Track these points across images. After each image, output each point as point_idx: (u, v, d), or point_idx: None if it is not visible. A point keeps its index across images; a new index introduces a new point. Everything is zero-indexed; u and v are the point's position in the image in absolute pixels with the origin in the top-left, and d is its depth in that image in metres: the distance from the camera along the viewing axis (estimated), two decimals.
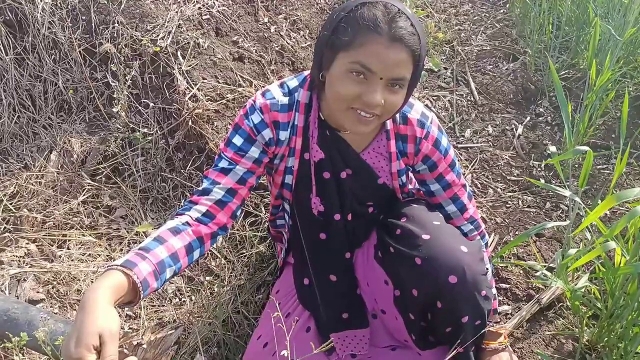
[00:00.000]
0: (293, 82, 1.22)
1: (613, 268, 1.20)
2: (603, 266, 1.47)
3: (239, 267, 1.68)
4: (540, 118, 2.30)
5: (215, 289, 1.61)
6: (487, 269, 1.18)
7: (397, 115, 1.21)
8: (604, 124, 2.25)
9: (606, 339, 1.37)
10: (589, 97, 1.75)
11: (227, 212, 1.17)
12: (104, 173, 1.88)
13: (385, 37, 0.98)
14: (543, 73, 2.47)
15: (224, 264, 1.69)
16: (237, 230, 1.75)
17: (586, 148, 1.17)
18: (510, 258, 1.67)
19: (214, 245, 1.73)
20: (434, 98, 2.42)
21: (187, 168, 1.86)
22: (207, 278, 1.67)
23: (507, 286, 1.59)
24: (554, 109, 2.34)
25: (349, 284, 1.35)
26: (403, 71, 1.02)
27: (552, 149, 1.44)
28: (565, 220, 1.72)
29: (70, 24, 2.02)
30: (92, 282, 1.23)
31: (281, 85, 1.22)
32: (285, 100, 1.19)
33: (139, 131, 1.90)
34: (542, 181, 1.99)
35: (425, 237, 1.16)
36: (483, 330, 1.19)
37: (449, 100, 2.39)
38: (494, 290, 1.31)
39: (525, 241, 1.71)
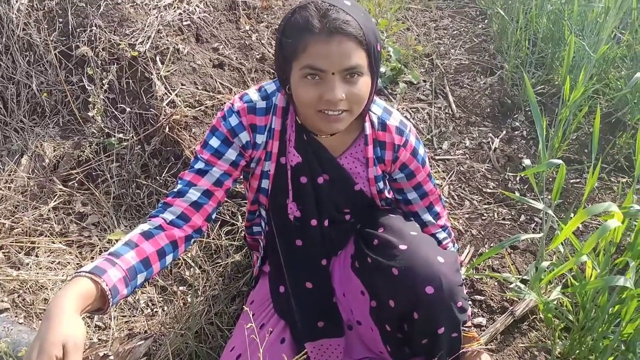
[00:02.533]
0: (271, 87, 1.22)
1: (583, 282, 1.21)
2: (575, 279, 1.49)
3: (213, 276, 1.65)
4: (516, 132, 2.34)
5: (189, 299, 1.58)
6: (462, 280, 1.18)
7: (376, 121, 1.21)
8: (577, 139, 2.30)
9: (578, 351, 1.38)
10: (562, 113, 1.79)
11: (202, 215, 1.15)
12: (77, 179, 1.84)
13: (322, 33, 0.99)
14: (519, 88, 2.51)
15: (199, 273, 1.66)
16: (213, 239, 1.72)
17: (559, 161, 1.19)
18: (485, 270, 1.69)
19: (189, 255, 1.70)
20: (413, 110, 2.44)
21: (163, 175, 1.83)
22: (181, 288, 1.64)
23: (482, 298, 1.59)
24: (530, 123, 2.38)
25: (324, 292, 1.34)
26: (353, 60, 1.01)
27: (527, 162, 1.46)
28: (539, 233, 1.74)
29: (46, 26, 1.98)
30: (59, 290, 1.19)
31: (259, 89, 1.21)
32: (263, 103, 1.18)
33: (115, 136, 1.87)
34: (517, 194, 2.02)
35: (403, 247, 1.16)
36: (460, 349, 1.19)
37: (427, 112, 2.42)
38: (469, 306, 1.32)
39: (499, 253, 1.73)
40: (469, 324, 1.36)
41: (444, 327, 1.13)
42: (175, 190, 1.15)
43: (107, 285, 0.92)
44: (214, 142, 1.17)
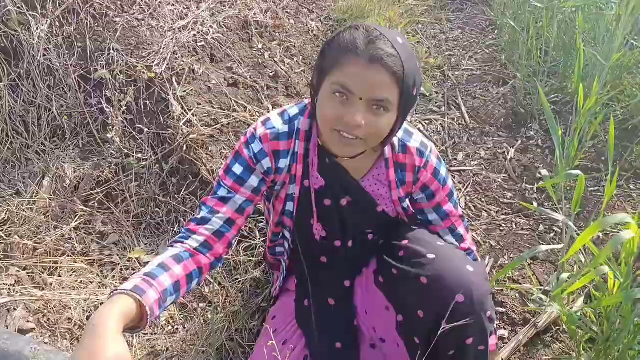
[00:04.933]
0: (294, 110, 1.23)
1: (605, 297, 1.19)
2: (597, 289, 1.47)
3: (233, 293, 1.66)
4: (531, 141, 2.33)
5: (209, 316, 1.59)
6: (492, 290, 1.17)
7: (397, 144, 1.21)
8: (593, 146, 2.29)
9: None
10: (577, 122, 1.78)
11: (224, 243, 1.17)
12: (97, 199, 1.87)
13: (363, 57, 1.00)
14: (532, 97, 2.51)
15: (218, 290, 1.67)
16: (232, 255, 1.73)
17: (578, 172, 1.19)
18: (506, 282, 1.67)
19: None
20: (427, 122, 2.45)
21: (181, 193, 1.85)
22: (201, 305, 1.65)
23: (504, 310, 1.58)
24: (545, 132, 2.37)
25: (346, 311, 1.34)
26: (384, 92, 1.01)
27: (544, 172, 1.45)
28: (559, 243, 1.72)
29: (65, 51, 2.03)
30: (95, 307, 1.19)
31: (282, 114, 1.22)
32: (286, 128, 1.19)
33: (133, 156, 1.90)
34: (535, 204, 2.01)
35: (431, 256, 1.15)
36: None
37: (440, 124, 2.42)
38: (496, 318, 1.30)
39: (520, 264, 1.71)
40: (493, 342, 1.34)
41: (473, 337, 1.11)
42: (198, 216, 1.16)
43: (146, 304, 0.93)
44: (237, 169, 1.19)
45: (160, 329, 1.59)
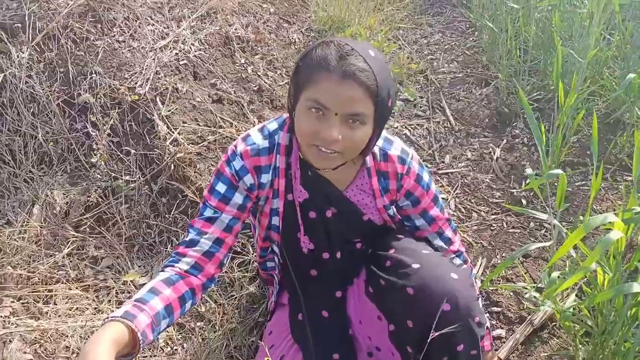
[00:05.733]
0: (273, 125, 1.24)
1: (596, 292, 1.21)
2: (588, 285, 1.49)
3: (229, 310, 1.66)
4: (517, 140, 2.36)
5: (207, 335, 1.58)
6: (478, 294, 1.18)
7: (378, 153, 1.23)
8: (578, 141, 2.32)
9: (601, 356, 1.38)
10: (559, 118, 1.81)
11: (214, 263, 1.17)
12: (88, 224, 1.86)
13: (336, 74, 1.01)
14: (515, 96, 2.55)
15: (215, 307, 1.67)
16: (226, 272, 1.73)
17: (559, 171, 1.20)
18: (500, 281, 1.69)
19: None
20: (412, 127, 2.47)
21: (172, 212, 1.85)
22: (198, 324, 1.64)
23: (499, 309, 1.59)
24: (529, 130, 2.40)
25: (340, 322, 1.34)
26: (358, 107, 1.03)
27: (529, 171, 1.47)
28: (549, 240, 1.74)
29: (47, 77, 2.03)
30: (92, 333, 1.19)
31: (261, 129, 1.24)
32: (266, 143, 1.21)
33: (122, 179, 1.90)
34: (524, 202, 2.03)
35: (416, 266, 1.16)
36: None
37: (426, 127, 2.45)
38: (488, 322, 1.32)
39: (512, 262, 1.73)
40: (487, 342, 1.34)
41: (463, 344, 1.13)
42: (187, 239, 1.17)
43: (138, 329, 0.94)
44: (221, 188, 1.20)
45: (160, 350, 1.59)
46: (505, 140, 2.34)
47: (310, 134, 1.06)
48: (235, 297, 1.69)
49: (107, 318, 0.95)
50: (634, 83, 2.12)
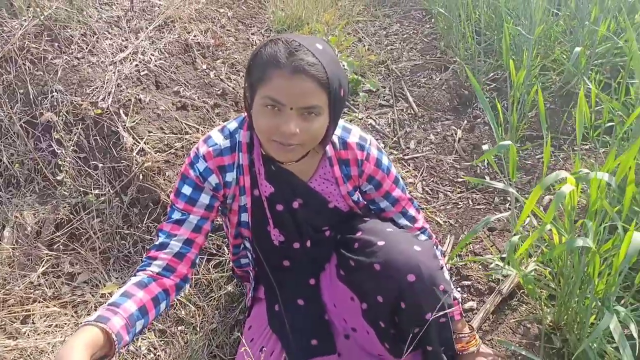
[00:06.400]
0: (233, 125, 1.27)
1: (551, 250, 1.28)
2: (549, 249, 1.55)
3: (209, 311, 1.68)
4: (478, 120, 2.43)
5: (189, 338, 1.61)
6: (441, 264, 1.23)
7: (337, 142, 1.27)
8: (536, 116, 2.40)
9: (565, 316, 1.44)
10: (512, 95, 1.88)
11: (186, 263, 1.20)
12: (61, 241, 1.87)
13: (286, 70, 1.04)
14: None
15: (194, 311, 1.69)
16: (203, 274, 1.76)
17: (508, 142, 1.26)
18: (468, 255, 1.75)
19: (182, 295, 1.73)
20: (377, 116, 2.52)
21: (145, 222, 1.87)
22: (179, 328, 1.66)
23: (469, 283, 1.65)
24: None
25: (316, 308, 1.38)
26: (312, 100, 1.06)
27: (485, 147, 1.53)
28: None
29: (7, 100, 2.03)
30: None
31: (222, 130, 1.27)
32: (227, 143, 1.24)
33: (92, 193, 1.90)
34: (487, 178, 2.10)
35: (381, 243, 1.21)
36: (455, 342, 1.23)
37: (390, 116, 2.50)
38: (458, 295, 1.37)
39: (479, 237, 1.79)
40: (457, 312, 1.38)
41: (431, 312, 1.17)
42: (157, 243, 1.20)
43: (112, 331, 0.97)
44: (186, 190, 1.22)
45: (142, 358, 1.60)
46: (466, 121, 2.40)
47: (269, 130, 1.09)
48: (214, 298, 1.71)
49: (82, 323, 0.97)
50: (581, 56, 2.21)
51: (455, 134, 2.32)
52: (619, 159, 1.14)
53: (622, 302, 1.38)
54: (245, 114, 1.27)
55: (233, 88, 2.40)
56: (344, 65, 2.65)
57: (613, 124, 1.73)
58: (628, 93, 1.85)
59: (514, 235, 1.33)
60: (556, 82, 2.52)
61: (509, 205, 1.97)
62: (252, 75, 1.11)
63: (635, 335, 1.07)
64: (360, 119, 2.47)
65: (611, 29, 2.24)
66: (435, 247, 1.28)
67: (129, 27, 2.44)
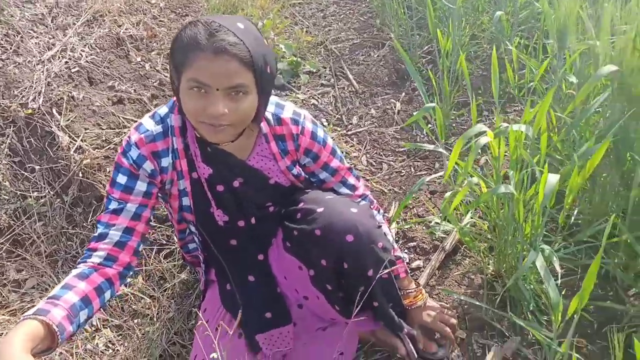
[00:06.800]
0: (163, 110, 1.27)
1: (477, 200, 1.35)
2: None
3: (164, 301, 1.69)
4: (416, 92, 2.51)
5: (146, 329, 1.60)
6: (379, 224, 1.28)
7: (271, 118, 1.29)
8: (471, 82, 2.50)
9: (504, 264, 1.54)
10: (441, 63, 1.96)
11: (128, 252, 1.19)
12: (4, 248, 1.81)
13: (208, 51, 1.05)
14: (409, 53, 2.69)
15: (149, 302, 1.69)
16: (155, 266, 1.75)
17: (432, 104, 1.33)
18: (412, 218, 1.82)
19: (135, 288, 1.72)
20: (319, 96, 2.56)
21: (90, 220, 1.83)
22: (135, 321, 1.65)
23: (415, 243, 1.72)
24: (426, 81, 2.55)
25: (267, 283, 1.41)
26: (237, 79, 1.07)
27: (416, 113, 1.60)
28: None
29: None
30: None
31: (153, 116, 1.26)
32: (159, 128, 1.23)
33: (31, 197, 1.85)
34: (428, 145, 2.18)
35: (320, 209, 1.25)
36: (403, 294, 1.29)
37: (332, 95, 2.54)
38: (405, 255, 1.43)
39: (421, 201, 1.87)
40: (402, 270, 1.44)
41: (372, 269, 1.22)
42: (96, 234, 1.19)
43: (52, 322, 0.96)
44: (121, 179, 1.21)
45: (101, 354, 1.59)
46: (404, 94, 2.48)
47: (196, 112, 1.10)
48: (168, 288, 1.71)
49: (20, 319, 0.96)
50: (503, 21, 2.31)
51: (395, 107, 2.39)
52: (533, 110, 1.23)
53: (553, 244, 1.48)
54: (175, 98, 1.27)
55: (170, 78, 2.37)
56: (281, 48, 2.66)
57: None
58: (546, 52, 1.97)
59: (449, 192, 1.40)
60: (487, 49, 2.63)
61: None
62: (175, 59, 1.11)
63: (559, 269, 1.16)
64: (302, 100, 2.50)
65: None
66: (373, 209, 1.33)
67: (54, 24, 2.36)
